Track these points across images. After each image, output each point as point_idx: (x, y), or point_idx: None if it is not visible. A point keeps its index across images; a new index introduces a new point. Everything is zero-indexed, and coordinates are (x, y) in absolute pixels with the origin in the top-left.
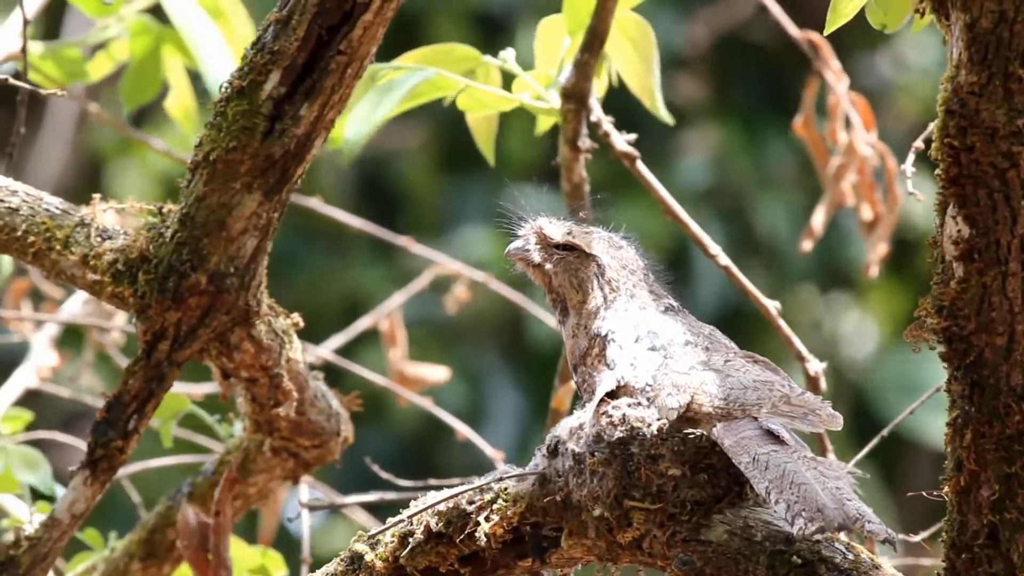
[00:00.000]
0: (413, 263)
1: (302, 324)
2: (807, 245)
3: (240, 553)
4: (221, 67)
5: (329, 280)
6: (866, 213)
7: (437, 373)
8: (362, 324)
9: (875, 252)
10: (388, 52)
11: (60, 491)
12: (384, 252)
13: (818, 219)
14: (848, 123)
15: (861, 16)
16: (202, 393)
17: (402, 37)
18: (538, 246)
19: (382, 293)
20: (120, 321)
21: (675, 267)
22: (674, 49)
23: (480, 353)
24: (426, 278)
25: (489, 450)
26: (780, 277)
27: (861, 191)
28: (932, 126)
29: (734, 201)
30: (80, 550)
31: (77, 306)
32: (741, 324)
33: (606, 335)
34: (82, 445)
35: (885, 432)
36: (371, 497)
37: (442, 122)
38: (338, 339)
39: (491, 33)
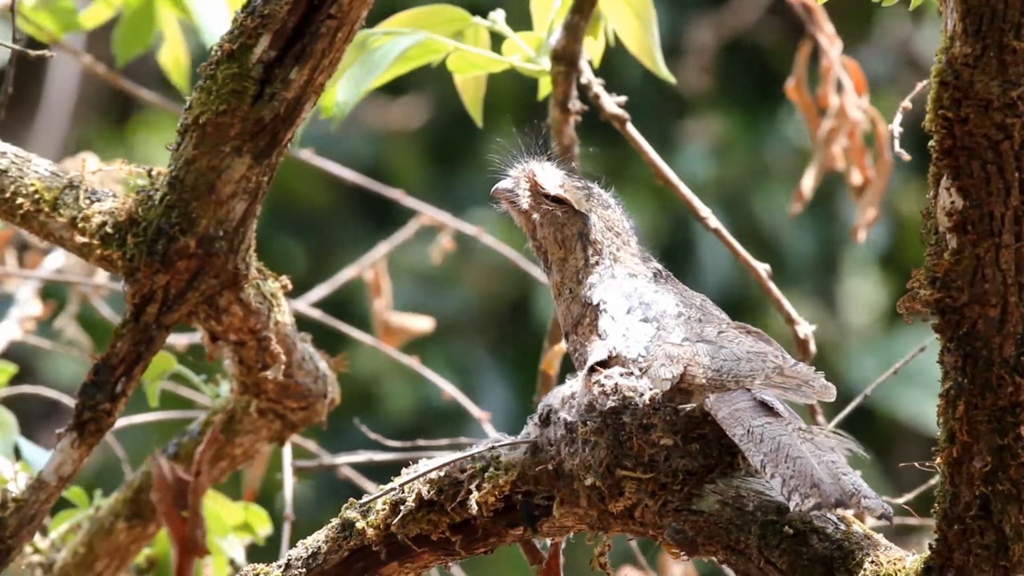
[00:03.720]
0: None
1: (291, 287)
2: (796, 208)
3: (224, 509)
4: (217, 21)
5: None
6: (856, 178)
7: (422, 323)
8: (346, 275)
9: (864, 217)
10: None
11: (32, 451)
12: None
13: (807, 182)
14: (840, 87)
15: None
16: (185, 344)
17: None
18: (528, 191)
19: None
20: (104, 275)
21: (678, 253)
22: (676, 40)
23: (472, 347)
24: (411, 227)
25: (476, 411)
26: (781, 266)
27: (851, 155)
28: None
29: (735, 191)
30: (63, 507)
31: (62, 257)
32: (747, 309)
33: (598, 304)
34: (63, 399)
35: (860, 398)
36: (359, 458)
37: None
38: (321, 290)
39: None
